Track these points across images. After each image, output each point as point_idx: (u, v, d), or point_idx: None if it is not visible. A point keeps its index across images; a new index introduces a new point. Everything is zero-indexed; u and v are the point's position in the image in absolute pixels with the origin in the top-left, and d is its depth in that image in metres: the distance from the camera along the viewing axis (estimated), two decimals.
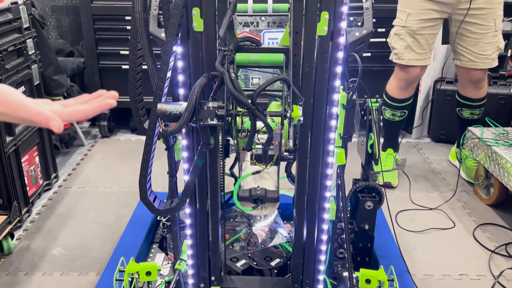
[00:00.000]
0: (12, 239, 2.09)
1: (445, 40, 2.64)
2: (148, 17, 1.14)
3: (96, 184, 2.66)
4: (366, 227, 1.70)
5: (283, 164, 1.40)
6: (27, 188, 2.30)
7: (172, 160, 1.33)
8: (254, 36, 1.22)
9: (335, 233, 1.62)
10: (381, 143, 2.59)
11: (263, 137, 1.16)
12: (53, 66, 2.71)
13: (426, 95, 3.26)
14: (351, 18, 1.45)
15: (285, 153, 1.29)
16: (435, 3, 2.36)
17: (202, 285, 1.47)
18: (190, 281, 1.48)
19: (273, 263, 1.66)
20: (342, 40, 1.15)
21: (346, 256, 1.55)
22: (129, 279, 1.47)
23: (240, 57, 1.27)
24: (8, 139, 2.16)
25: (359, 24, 1.44)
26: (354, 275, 1.47)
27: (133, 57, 1.16)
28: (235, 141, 1.27)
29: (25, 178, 2.29)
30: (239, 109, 1.09)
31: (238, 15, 1.47)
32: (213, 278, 1.46)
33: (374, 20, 1.42)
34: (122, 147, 3.17)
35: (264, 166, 1.23)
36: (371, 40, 1.46)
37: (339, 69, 1.19)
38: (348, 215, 1.70)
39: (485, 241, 2.19)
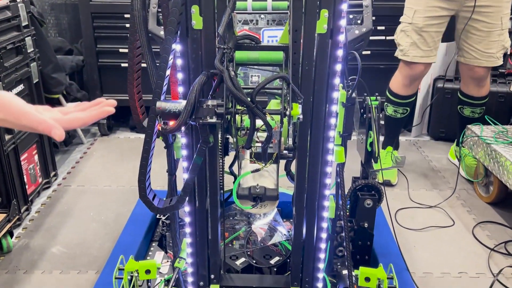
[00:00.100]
0: (11, 237, 2.09)
1: (445, 38, 2.63)
2: (147, 15, 1.14)
3: (95, 182, 2.66)
4: (366, 225, 1.70)
5: (282, 162, 1.40)
6: (26, 187, 2.30)
7: (172, 158, 1.32)
8: (254, 34, 1.21)
9: (335, 231, 1.62)
10: (380, 141, 2.59)
11: (262, 135, 1.15)
12: (52, 64, 2.70)
13: (425, 93, 3.26)
14: (351, 16, 1.44)
15: (285, 151, 1.29)
16: (443, 0, 2.36)
17: (201, 283, 1.47)
18: (190, 279, 1.48)
19: (272, 261, 1.66)
20: (341, 38, 1.15)
21: (345, 254, 1.55)
22: (129, 277, 1.47)
23: (239, 55, 1.27)
24: (7, 137, 2.16)
25: (359, 22, 1.44)
26: (353, 273, 1.47)
27: (132, 55, 1.16)
28: (235, 139, 1.27)
29: (24, 177, 2.28)
30: (238, 107, 1.09)
31: (237, 13, 1.46)
32: (212, 276, 1.46)
33: (373, 18, 1.42)
34: (122, 145, 3.16)
35: (263, 164, 1.23)
36: (371, 38, 1.46)
37: (338, 67, 1.19)
38: (348, 213, 1.70)
39: (484, 239, 2.20)
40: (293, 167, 1.37)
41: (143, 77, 1.21)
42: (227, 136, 1.36)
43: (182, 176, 1.25)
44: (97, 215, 2.34)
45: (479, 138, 2.42)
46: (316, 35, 1.12)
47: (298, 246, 1.40)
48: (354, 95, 1.42)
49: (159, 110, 1.03)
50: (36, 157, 2.45)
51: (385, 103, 2.69)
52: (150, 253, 1.89)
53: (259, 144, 1.22)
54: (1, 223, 2.01)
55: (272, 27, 1.57)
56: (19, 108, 0.76)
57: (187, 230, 1.40)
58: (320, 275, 1.45)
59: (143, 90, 1.22)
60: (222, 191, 1.35)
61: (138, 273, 1.48)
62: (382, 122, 3.16)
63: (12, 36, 2.25)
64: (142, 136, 1.07)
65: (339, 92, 1.26)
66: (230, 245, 1.74)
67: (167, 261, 1.80)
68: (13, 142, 2.19)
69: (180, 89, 1.23)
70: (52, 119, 0.78)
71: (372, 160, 1.69)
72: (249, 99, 1.01)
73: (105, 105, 0.88)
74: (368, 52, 3.08)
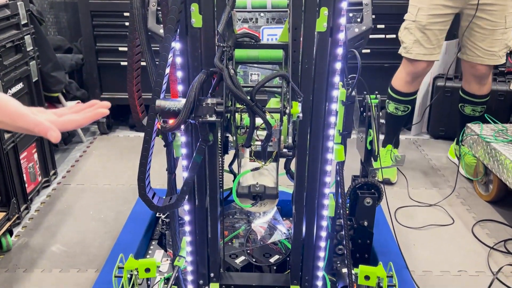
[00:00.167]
0: (11, 236, 2.09)
1: (445, 36, 2.63)
2: (147, 13, 1.13)
3: (95, 181, 2.66)
4: (365, 223, 1.70)
5: (282, 161, 1.40)
6: (26, 185, 2.30)
7: (171, 157, 1.32)
8: (253, 32, 1.21)
9: (334, 229, 1.62)
10: (380, 140, 2.59)
11: (262, 134, 1.15)
12: (51, 62, 2.70)
13: (425, 92, 3.26)
14: (350, 14, 1.44)
15: (284, 150, 1.29)
16: None
17: (201, 281, 1.47)
18: (189, 277, 1.48)
19: (272, 260, 1.66)
20: (341, 36, 1.15)
21: (345, 252, 1.55)
22: (128, 275, 1.47)
23: (239, 53, 1.27)
24: (7, 136, 2.16)
25: (359, 20, 1.44)
26: (353, 272, 1.47)
27: (131, 54, 1.15)
28: (234, 138, 1.27)
29: (24, 175, 2.28)
30: (238, 105, 1.09)
31: (237, 11, 1.46)
32: (212, 274, 1.46)
33: (373, 16, 1.42)
34: (121, 143, 3.16)
35: (263, 163, 1.23)
36: (371, 36, 1.46)
37: (338, 65, 1.19)
38: (347, 212, 1.70)
39: (484, 237, 2.20)
40: (292, 166, 1.37)
41: (142, 76, 1.20)
42: (227, 135, 1.35)
43: (181, 175, 1.25)
44: (97, 214, 2.34)
45: (479, 137, 2.42)
46: (315, 33, 1.12)
47: (298, 245, 1.40)
48: (353, 93, 1.42)
49: (158, 109, 1.03)
50: (35, 155, 2.45)
51: (387, 101, 2.69)
52: (149, 251, 1.89)
53: (259, 143, 1.22)
54: (1, 221, 2.01)
55: (271, 25, 1.57)
56: (15, 110, 0.77)
57: (187, 228, 1.40)
58: (320, 273, 1.45)
59: (142, 89, 1.22)
60: (221, 189, 1.35)
61: (137, 271, 1.48)
62: (382, 120, 3.16)
63: (12, 34, 2.24)
64: (142, 134, 1.07)
65: (338, 90, 1.26)
66: (229, 243, 1.74)
67: (167, 260, 1.80)
68: (12, 141, 2.18)
69: (180, 88, 1.23)
70: (47, 121, 0.78)
71: (372, 159, 1.69)
72: (248, 97, 1.01)
73: (99, 107, 0.89)
74: (368, 51, 3.08)
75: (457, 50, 3.21)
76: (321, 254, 1.42)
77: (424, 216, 2.36)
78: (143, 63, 1.15)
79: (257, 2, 1.47)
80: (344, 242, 1.52)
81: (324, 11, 1.09)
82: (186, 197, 1.15)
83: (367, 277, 1.45)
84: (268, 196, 1.25)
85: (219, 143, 1.28)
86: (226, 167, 1.48)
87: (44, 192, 2.52)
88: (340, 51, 1.17)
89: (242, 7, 1.49)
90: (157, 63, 1.06)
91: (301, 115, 1.07)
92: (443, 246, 2.15)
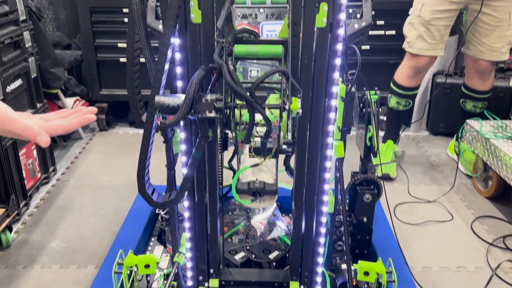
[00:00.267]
0: (10, 232, 2.09)
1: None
2: (146, 9, 1.13)
3: (94, 177, 2.66)
4: (365, 219, 1.70)
5: (281, 157, 1.40)
6: (25, 182, 2.30)
7: (170, 153, 1.32)
8: (253, 28, 1.21)
9: (334, 225, 1.62)
10: (380, 136, 2.59)
11: (261, 130, 1.15)
12: (50, 59, 2.69)
13: (425, 88, 3.26)
14: (350, 10, 1.44)
15: (284, 146, 1.29)
16: None
17: (200, 277, 1.47)
18: (189, 273, 1.48)
19: (271, 256, 1.66)
20: (341, 32, 1.15)
21: (344, 248, 1.55)
22: (128, 272, 1.47)
23: (238, 49, 1.26)
24: None
25: (358, 16, 1.43)
26: (352, 268, 1.48)
27: (130, 50, 1.15)
28: (234, 134, 1.27)
29: (23, 172, 2.28)
30: (237, 101, 1.09)
31: (236, 7, 1.46)
32: (211, 270, 1.46)
33: (373, 12, 1.42)
34: (120, 140, 3.16)
35: (262, 159, 1.23)
36: (370, 32, 1.45)
37: (338, 61, 1.19)
38: (347, 208, 1.71)
39: (483, 233, 2.20)
40: (292, 162, 1.37)
41: (142, 72, 1.20)
42: (226, 131, 1.35)
43: (181, 171, 1.25)
44: (96, 210, 2.34)
45: (478, 133, 2.42)
46: (315, 29, 1.12)
47: (297, 241, 1.41)
48: (353, 89, 1.41)
49: (158, 105, 1.02)
50: (34, 152, 2.45)
51: (389, 95, 2.70)
52: (149, 247, 1.89)
53: (258, 139, 1.22)
54: (0, 218, 2.01)
55: (271, 21, 1.56)
56: (5, 114, 0.77)
57: (186, 224, 1.40)
58: (319, 269, 1.45)
59: (142, 85, 1.22)
60: (221, 185, 1.35)
61: (137, 267, 1.48)
62: (381, 117, 3.16)
63: (10, 30, 2.24)
64: (141, 131, 1.07)
65: (338, 86, 1.26)
66: (229, 239, 1.74)
67: (166, 256, 1.80)
68: (11, 137, 2.18)
69: (179, 84, 1.23)
70: (36, 126, 0.79)
71: (371, 155, 1.69)
72: (248, 93, 1.01)
73: (86, 113, 0.90)
74: (368, 47, 3.08)
75: (457, 46, 3.22)
76: (321, 250, 1.42)
77: (423, 212, 2.37)
78: (142, 59, 1.15)
79: None
80: (344, 238, 1.52)
81: (324, 7, 1.09)
82: (186, 193, 1.15)
83: (366, 273, 1.46)
84: (268, 192, 1.25)
85: (218, 139, 1.28)
86: (225, 163, 1.48)
87: (43, 189, 2.52)
88: (339, 47, 1.17)
89: (242, 2, 1.48)
90: (156, 59, 1.06)
91: (300, 111, 1.07)
92: (442, 242, 2.15)
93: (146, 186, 1.10)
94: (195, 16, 1.10)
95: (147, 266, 1.48)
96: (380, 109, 1.66)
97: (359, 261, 1.47)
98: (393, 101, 2.69)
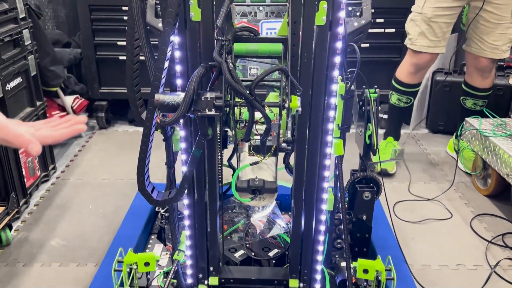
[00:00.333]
0: (10, 230, 2.09)
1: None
2: (145, 7, 1.13)
3: (94, 175, 2.66)
4: (364, 217, 1.70)
5: (281, 155, 1.40)
6: (25, 180, 2.30)
7: (170, 151, 1.32)
8: (252, 26, 1.21)
9: (333, 223, 1.62)
10: (379, 134, 2.59)
11: (261, 128, 1.15)
12: (49, 57, 2.69)
13: (424, 86, 3.26)
14: (350, 8, 1.44)
15: (283, 144, 1.29)
16: None
17: (200, 275, 1.47)
18: (189, 271, 1.48)
19: (271, 254, 1.66)
20: (340, 30, 1.15)
21: (344, 246, 1.55)
22: (128, 269, 1.48)
23: (238, 47, 1.26)
24: None
25: (358, 14, 1.43)
26: (351, 265, 1.48)
27: (130, 48, 1.15)
28: (233, 132, 1.27)
29: (23, 170, 2.28)
30: (237, 99, 1.09)
31: (236, 5, 1.46)
32: (211, 268, 1.46)
33: (372, 10, 1.42)
34: (120, 138, 3.16)
35: (262, 157, 1.23)
36: (370, 30, 1.46)
37: (337, 59, 1.19)
38: (346, 206, 1.71)
39: (482, 231, 2.21)
40: (291, 160, 1.37)
41: (141, 70, 1.20)
42: (226, 129, 1.36)
43: (181, 169, 1.25)
44: (96, 208, 2.34)
45: (478, 131, 2.42)
46: (315, 27, 1.12)
47: (297, 239, 1.41)
48: (353, 87, 1.41)
49: (157, 103, 1.03)
50: None
51: (390, 92, 2.72)
52: (149, 245, 1.89)
53: (258, 137, 1.22)
54: (0, 216, 2.02)
55: (270, 19, 1.56)
56: None
57: (186, 222, 1.41)
58: (319, 267, 1.46)
59: (141, 83, 1.22)
60: (221, 183, 1.35)
61: (137, 265, 1.48)
62: (380, 115, 3.16)
63: (10, 28, 2.24)
64: (141, 129, 1.07)
65: (338, 84, 1.26)
66: (229, 237, 1.74)
67: (166, 254, 1.81)
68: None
69: (179, 82, 1.23)
70: (28, 133, 0.79)
71: (371, 153, 1.70)
72: (247, 91, 1.01)
73: (76, 123, 0.91)
74: (367, 45, 3.08)
75: (456, 44, 3.22)
76: (320, 248, 1.42)
77: (422, 210, 2.37)
78: (142, 57, 1.15)
79: None
80: (343, 236, 1.52)
81: (324, 5, 1.09)
82: (185, 191, 1.15)
83: (365, 271, 1.46)
84: (267, 190, 1.25)
85: (218, 137, 1.28)
86: (225, 161, 1.48)
87: (43, 187, 2.52)
88: (339, 45, 1.17)
89: (241, 1, 1.48)
90: (156, 57, 1.06)
91: (300, 109, 1.07)
92: (441, 240, 2.16)
93: (146, 184, 1.10)
94: (195, 14, 1.10)
95: (147, 264, 1.48)
96: (379, 107, 1.66)
97: (359, 259, 1.47)
98: (394, 98, 2.70)
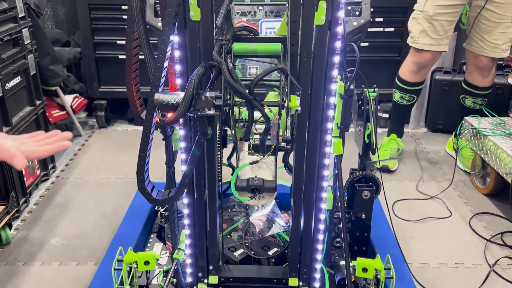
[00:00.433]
0: (10, 229, 2.10)
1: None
2: (145, 6, 1.13)
3: (93, 174, 2.66)
4: (363, 216, 1.71)
5: (280, 154, 1.41)
6: (25, 179, 2.30)
7: (170, 150, 1.32)
8: (252, 26, 1.21)
9: (332, 222, 1.62)
10: (378, 133, 2.59)
11: (260, 127, 1.16)
12: (49, 56, 2.69)
13: (423, 85, 3.26)
14: (349, 8, 1.44)
15: (283, 143, 1.29)
16: None
17: (200, 274, 1.48)
18: (188, 270, 1.49)
19: (270, 253, 1.67)
20: (340, 29, 1.15)
21: (343, 245, 1.56)
22: (128, 268, 1.48)
23: (237, 46, 1.27)
24: (5, 129, 2.15)
25: (357, 13, 1.44)
26: (351, 264, 1.48)
27: (129, 47, 1.15)
28: (233, 131, 1.27)
29: (23, 169, 2.28)
30: (236, 99, 1.09)
31: (235, 4, 1.46)
32: (211, 267, 1.47)
33: (372, 9, 1.42)
34: (120, 137, 3.16)
35: (261, 156, 1.23)
36: (369, 29, 1.46)
37: (337, 59, 1.19)
38: (345, 205, 1.71)
39: (481, 230, 2.21)
40: (291, 159, 1.37)
41: (141, 69, 1.20)
42: (225, 128, 1.36)
43: (180, 168, 1.26)
44: (96, 207, 2.34)
45: (477, 130, 2.43)
46: (314, 26, 1.12)
47: (296, 237, 1.41)
48: (352, 87, 1.42)
49: (157, 102, 1.03)
50: None
51: (394, 89, 2.73)
52: (148, 244, 1.89)
53: (257, 136, 1.22)
54: (0, 215, 2.02)
55: (270, 19, 1.56)
56: None
57: (186, 221, 1.41)
58: (318, 266, 1.46)
59: (141, 82, 1.22)
60: (220, 183, 1.36)
61: (137, 264, 1.48)
62: (380, 114, 3.17)
63: (9, 27, 2.24)
64: (140, 128, 1.07)
65: (337, 84, 1.26)
66: (228, 236, 1.74)
67: (166, 253, 1.81)
68: (11, 135, 2.18)
69: (178, 81, 1.23)
70: (13, 147, 0.79)
71: (370, 152, 1.70)
72: (247, 91, 1.01)
73: (61, 139, 0.92)
74: (366, 44, 3.08)
75: (456, 43, 3.22)
76: (319, 246, 1.43)
77: (421, 209, 2.37)
78: (141, 57, 1.15)
79: None
80: (342, 235, 1.53)
81: (323, 5, 1.09)
82: (185, 190, 1.15)
83: (364, 270, 1.46)
84: (267, 189, 1.26)
85: (217, 136, 1.28)
86: (224, 160, 1.49)
87: (42, 186, 2.52)
88: (338, 44, 1.17)
89: (241, 0, 1.48)
90: (155, 56, 1.06)
91: (299, 108, 1.08)
92: (440, 238, 2.16)
93: (146, 183, 1.10)
94: (194, 13, 1.10)
95: (146, 262, 1.49)
96: (378, 106, 1.67)
97: (358, 258, 1.48)
98: (397, 96, 2.71)
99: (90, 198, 2.42)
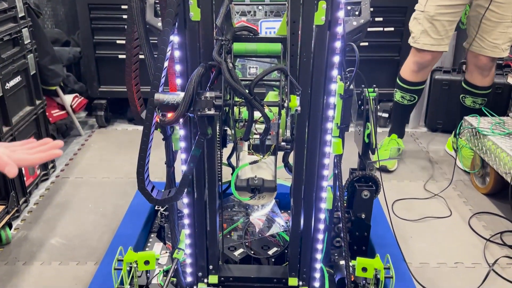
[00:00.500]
0: (10, 229, 2.10)
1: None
2: (145, 6, 1.13)
3: (93, 174, 2.66)
4: (363, 216, 1.71)
5: (280, 154, 1.41)
6: (25, 178, 2.30)
7: (170, 150, 1.33)
8: (252, 26, 1.21)
9: (332, 222, 1.63)
10: (378, 133, 2.59)
11: (260, 127, 1.16)
12: (49, 55, 2.69)
13: None
14: (348, 7, 1.44)
15: (283, 143, 1.29)
16: None
17: (200, 273, 1.48)
18: (188, 269, 1.49)
19: (270, 252, 1.67)
20: (339, 29, 1.15)
21: (342, 244, 1.56)
22: (128, 268, 1.48)
23: (237, 46, 1.27)
24: (5, 129, 2.15)
25: (357, 13, 1.44)
26: (350, 264, 1.49)
27: (129, 47, 1.16)
28: (233, 131, 1.27)
29: (23, 168, 2.28)
30: (236, 99, 1.09)
31: (235, 4, 1.46)
32: (211, 267, 1.47)
33: (371, 9, 1.42)
34: (119, 137, 3.16)
35: (261, 156, 1.23)
36: (369, 29, 1.46)
37: (336, 59, 1.19)
38: (345, 205, 1.71)
39: (480, 229, 2.21)
40: (291, 159, 1.37)
41: (141, 69, 1.21)
42: (225, 128, 1.36)
43: (180, 168, 1.26)
44: (96, 207, 2.34)
45: (476, 130, 2.43)
46: (314, 26, 1.12)
47: (296, 237, 1.42)
48: (352, 86, 1.42)
49: (157, 102, 1.03)
50: None
51: (395, 89, 2.73)
52: (148, 244, 1.90)
53: (257, 136, 1.23)
54: (0, 214, 2.02)
55: (270, 19, 1.57)
56: None
57: (186, 221, 1.41)
58: (318, 265, 1.46)
59: (141, 82, 1.23)
60: (220, 182, 1.36)
61: (137, 264, 1.48)
62: (379, 114, 3.17)
63: (9, 27, 2.24)
64: (140, 128, 1.07)
65: (337, 84, 1.26)
66: (228, 236, 1.75)
67: (166, 252, 1.81)
68: (11, 134, 2.18)
69: (178, 81, 1.23)
70: (5, 155, 0.79)
71: (370, 152, 1.70)
72: (247, 91, 1.01)
73: (53, 147, 0.93)
74: (366, 44, 3.08)
75: (455, 43, 3.23)
76: (319, 246, 1.43)
77: (421, 208, 2.38)
78: (141, 56, 1.15)
79: None
80: (342, 235, 1.53)
81: (322, 5, 1.09)
82: (185, 190, 1.15)
83: (364, 269, 1.47)
84: (267, 189, 1.26)
85: (217, 136, 1.29)
86: (224, 160, 1.49)
87: (42, 186, 2.52)
88: (338, 44, 1.17)
89: (241, 0, 1.49)
90: (155, 56, 1.06)
91: (299, 108, 1.08)
92: (440, 238, 2.16)
93: (146, 183, 1.11)
94: (194, 14, 1.11)
95: (146, 262, 1.49)
96: (378, 106, 1.67)
97: (357, 257, 1.48)
98: (398, 96, 2.71)
99: (90, 198, 2.42)
